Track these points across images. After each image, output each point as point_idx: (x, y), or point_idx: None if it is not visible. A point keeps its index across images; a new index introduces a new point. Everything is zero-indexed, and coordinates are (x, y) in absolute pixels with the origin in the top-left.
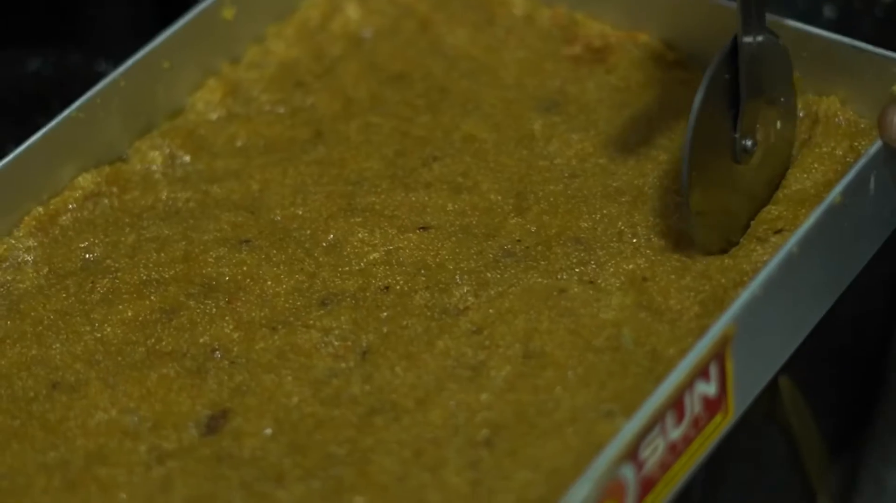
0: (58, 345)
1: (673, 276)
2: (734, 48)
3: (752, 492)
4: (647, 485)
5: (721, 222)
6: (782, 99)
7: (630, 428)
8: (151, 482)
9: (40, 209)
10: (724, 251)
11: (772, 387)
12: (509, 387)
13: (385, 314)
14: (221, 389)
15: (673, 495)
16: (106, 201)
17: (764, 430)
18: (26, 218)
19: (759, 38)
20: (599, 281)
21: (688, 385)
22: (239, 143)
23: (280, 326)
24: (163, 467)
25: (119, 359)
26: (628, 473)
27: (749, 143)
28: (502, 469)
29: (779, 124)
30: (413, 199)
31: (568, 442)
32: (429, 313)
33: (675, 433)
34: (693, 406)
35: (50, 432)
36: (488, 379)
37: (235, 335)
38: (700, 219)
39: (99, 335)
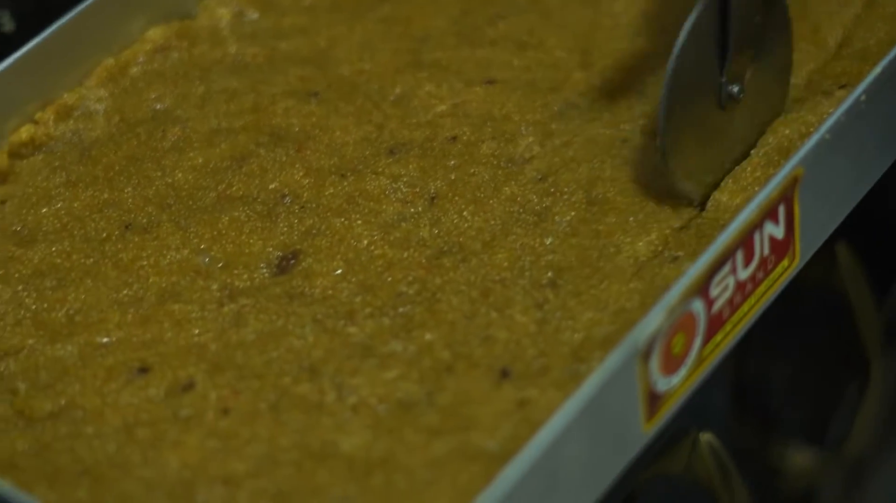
0: (129, 189)
1: None
2: None
3: (805, 359)
4: (715, 323)
5: (700, 167)
6: (776, 48)
7: (702, 261)
8: (224, 318)
9: (111, 60)
10: (704, 198)
11: (829, 253)
12: (573, 231)
13: (452, 162)
14: (292, 232)
15: (738, 339)
16: (175, 54)
17: (820, 296)
18: (97, 69)
19: None
20: None
21: (757, 224)
22: (306, 2)
23: (349, 173)
24: (235, 304)
25: (190, 202)
26: (699, 308)
27: (735, 89)
28: (568, 309)
29: (770, 72)
30: (479, 54)
31: (633, 285)
32: (495, 162)
33: (745, 273)
34: (762, 247)
35: (123, 271)
36: (553, 224)
37: (305, 181)
38: (678, 163)
39: (170, 180)
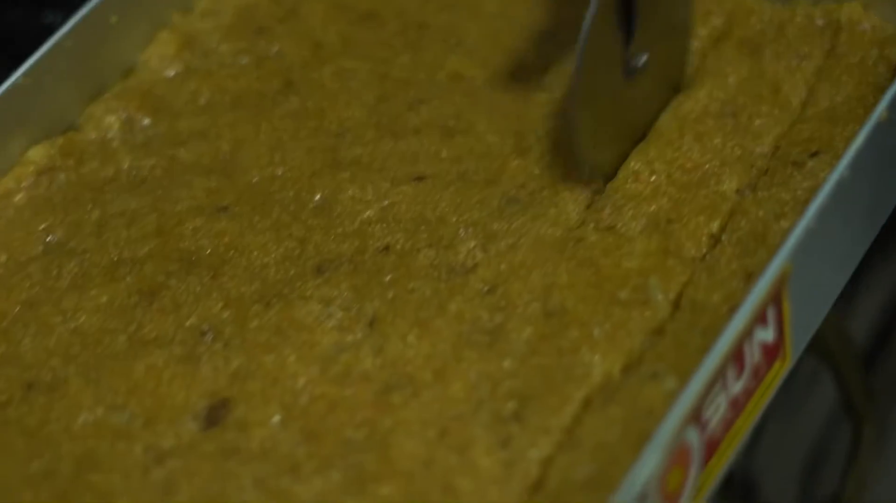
0: (27, 339)
1: (702, 217)
2: None
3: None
4: (711, 447)
5: (608, 141)
6: (676, 12)
7: (694, 385)
8: (152, 485)
9: None
10: (612, 170)
11: None
12: (532, 350)
13: (388, 277)
14: (218, 376)
15: (732, 458)
16: (62, 176)
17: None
18: None
19: None
20: (619, 226)
21: (748, 332)
22: (202, 101)
23: (274, 300)
24: (163, 468)
25: (98, 350)
26: (693, 437)
27: (641, 60)
28: (538, 446)
29: (671, 39)
30: (403, 147)
31: (611, 412)
32: (435, 273)
33: (737, 387)
34: (753, 355)
35: (30, 438)
36: (508, 343)
37: (225, 314)
38: (588, 139)
39: (72, 325)
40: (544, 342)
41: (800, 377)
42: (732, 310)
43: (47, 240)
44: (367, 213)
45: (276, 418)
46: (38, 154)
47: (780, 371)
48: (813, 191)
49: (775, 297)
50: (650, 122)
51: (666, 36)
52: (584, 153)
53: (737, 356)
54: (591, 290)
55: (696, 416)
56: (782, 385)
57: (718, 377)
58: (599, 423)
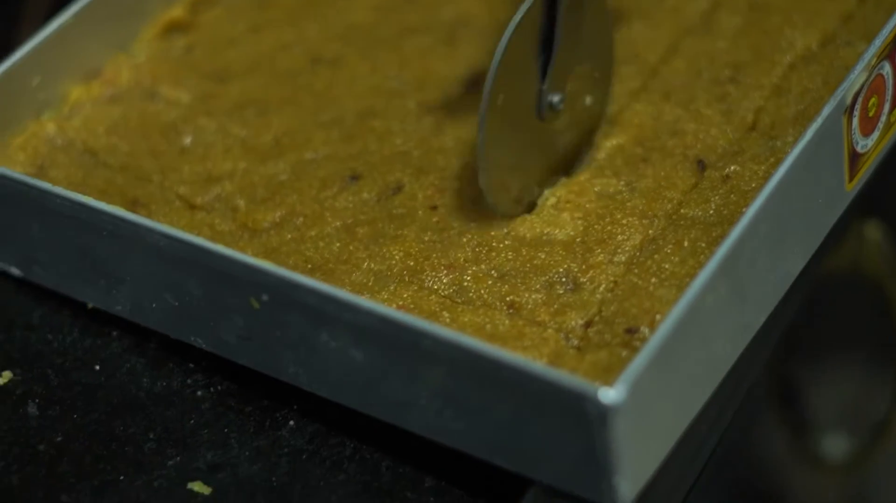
0: (311, 27)
1: None
2: None
3: None
4: None
5: (517, 181)
6: (598, 57)
7: (889, 27)
8: (424, 128)
9: None
10: (515, 212)
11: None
12: (741, 32)
13: None
14: (476, 54)
15: None
16: None
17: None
18: None
19: None
20: None
21: None
22: None
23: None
24: (432, 116)
25: (371, 36)
26: (888, 71)
27: (556, 98)
28: (751, 98)
29: (590, 87)
30: None
31: (812, 68)
32: None
33: None
34: None
35: (319, 98)
36: (720, 28)
37: (478, 9)
38: (495, 177)
39: (348, 20)
40: (751, 26)
41: None
42: None
43: None
44: None
45: None
46: None
47: None
48: None
49: None
50: (564, 167)
51: (584, 79)
52: (492, 194)
53: None
54: None
55: (890, 54)
56: None
57: None
58: (803, 76)
